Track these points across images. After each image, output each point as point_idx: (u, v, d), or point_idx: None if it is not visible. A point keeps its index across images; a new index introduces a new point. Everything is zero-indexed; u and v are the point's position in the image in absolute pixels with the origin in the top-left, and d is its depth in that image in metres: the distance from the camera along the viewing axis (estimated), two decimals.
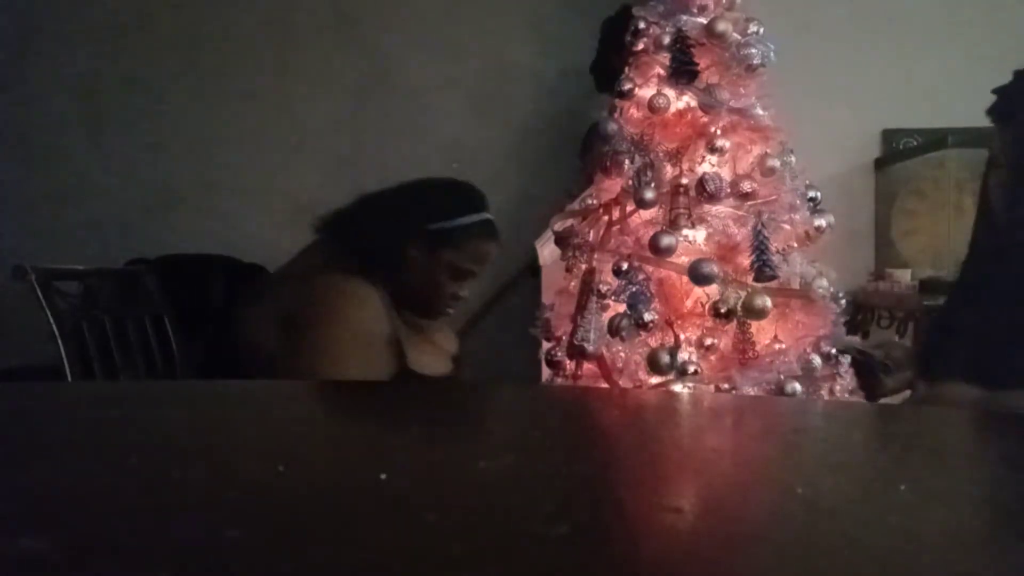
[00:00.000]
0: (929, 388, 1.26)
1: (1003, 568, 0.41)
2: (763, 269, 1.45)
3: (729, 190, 1.49)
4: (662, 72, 1.60)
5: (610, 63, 1.73)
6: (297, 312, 1.41)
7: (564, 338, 1.61)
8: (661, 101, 1.56)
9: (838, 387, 1.50)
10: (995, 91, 1.32)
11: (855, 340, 1.49)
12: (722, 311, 1.44)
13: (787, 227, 1.52)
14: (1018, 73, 1.30)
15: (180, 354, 1.89)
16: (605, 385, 1.51)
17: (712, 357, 1.47)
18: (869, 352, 1.36)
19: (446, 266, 1.51)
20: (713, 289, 1.47)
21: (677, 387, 1.45)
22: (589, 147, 2.14)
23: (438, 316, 1.58)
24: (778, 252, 1.48)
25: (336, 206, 1.58)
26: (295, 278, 1.48)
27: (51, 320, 1.60)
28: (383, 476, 0.52)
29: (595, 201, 1.66)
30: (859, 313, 2.59)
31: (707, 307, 1.47)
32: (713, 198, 1.48)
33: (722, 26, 1.56)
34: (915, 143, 2.73)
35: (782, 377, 1.44)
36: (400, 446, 0.65)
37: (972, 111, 2.30)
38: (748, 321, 1.46)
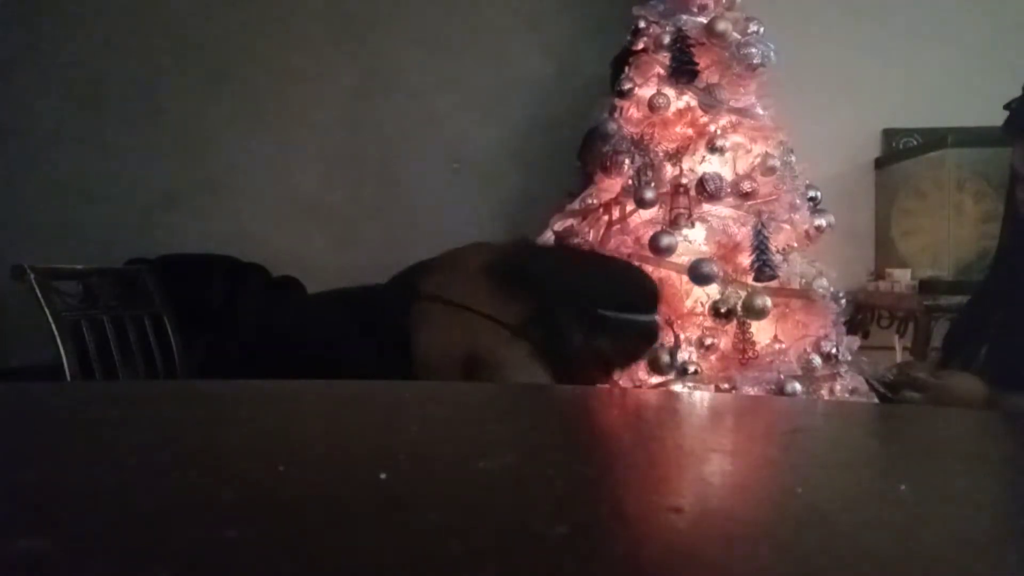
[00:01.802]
0: (942, 379, 1.26)
1: (1004, 568, 0.41)
2: (763, 269, 1.45)
3: (729, 190, 1.49)
4: (662, 72, 1.60)
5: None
6: (479, 362, 1.44)
7: None
8: (661, 101, 1.56)
9: (838, 387, 1.50)
10: (1007, 107, 1.32)
11: (867, 368, 1.48)
12: (722, 311, 1.44)
13: (787, 227, 1.52)
14: None
15: (180, 354, 1.89)
16: (605, 385, 1.51)
17: (712, 357, 1.47)
18: (879, 389, 1.35)
19: (595, 353, 1.47)
20: (713, 289, 1.47)
21: (677, 387, 1.45)
22: (589, 147, 2.15)
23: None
24: (778, 252, 1.48)
25: (511, 243, 1.56)
26: (482, 327, 1.47)
27: (50, 320, 1.60)
28: (383, 476, 0.52)
29: (595, 201, 1.66)
30: (859, 313, 2.59)
31: (707, 307, 1.47)
32: (713, 198, 1.48)
33: (722, 26, 1.56)
34: (915, 143, 2.73)
35: (782, 377, 1.44)
36: (400, 446, 0.65)
37: (972, 111, 2.31)
38: (748, 321, 1.46)
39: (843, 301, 1.54)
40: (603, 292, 1.49)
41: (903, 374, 1.31)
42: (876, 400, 1.43)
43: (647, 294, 1.54)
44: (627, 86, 1.63)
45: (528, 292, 1.49)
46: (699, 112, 1.54)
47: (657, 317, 1.51)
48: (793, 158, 1.57)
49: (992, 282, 1.41)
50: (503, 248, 1.56)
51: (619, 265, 1.55)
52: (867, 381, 1.43)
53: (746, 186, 1.47)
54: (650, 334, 1.51)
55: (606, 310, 1.47)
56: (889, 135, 2.80)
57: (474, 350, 1.44)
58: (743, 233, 1.49)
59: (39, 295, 1.60)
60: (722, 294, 1.45)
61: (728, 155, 1.54)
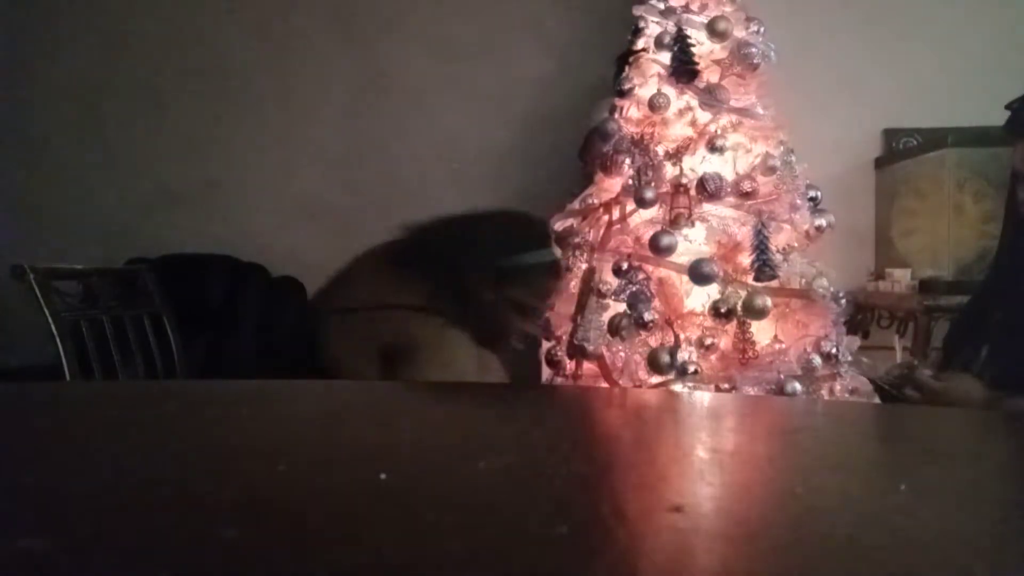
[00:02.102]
0: (942, 381, 1.27)
1: (1003, 567, 0.41)
2: (763, 269, 1.45)
3: (729, 190, 1.49)
4: (662, 71, 1.59)
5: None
6: (398, 350, 1.44)
7: (564, 338, 1.61)
8: (661, 100, 1.56)
9: (838, 387, 1.50)
10: (1009, 107, 1.32)
11: (870, 369, 1.48)
12: (722, 311, 1.44)
13: (787, 227, 1.51)
14: None
15: (180, 354, 1.89)
16: (605, 385, 1.51)
17: (712, 357, 1.47)
18: (884, 387, 1.35)
19: (510, 302, 1.51)
20: (713, 289, 1.47)
21: (677, 387, 1.45)
22: (589, 147, 2.14)
23: (503, 350, 1.58)
24: (778, 252, 1.48)
25: (410, 226, 1.59)
26: (388, 317, 1.49)
27: (50, 320, 1.60)
28: (383, 476, 0.52)
29: (595, 200, 1.66)
30: (859, 313, 2.59)
31: (707, 307, 1.47)
32: (713, 197, 1.48)
33: (722, 25, 1.56)
34: (915, 143, 2.73)
35: (782, 377, 1.44)
36: (400, 446, 0.65)
37: (972, 111, 2.31)
38: (748, 321, 1.46)
39: (843, 301, 1.54)
40: (496, 244, 1.51)
41: (905, 372, 1.31)
42: (877, 399, 1.43)
43: (537, 232, 1.57)
44: (627, 86, 1.63)
45: (427, 269, 1.51)
46: (699, 112, 1.54)
47: (556, 251, 1.55)
48: (793, 158, 1.57)
49: (992, 282, 1.41)
50: (393, 239, 1.57)
51: (504, 215, 1.59)
52: (870, 379, 1.43)
53: (746, 186, 1.47)
54: (553, 268, 1.54)
55: (504, 259, 1.49)
56: (889, 135, 2.80)
57: (393, 342, 1.44)
58: (743, 233, 1.48)
59: (39, 295, 1.60)
60: (722, 294, 1.45)
61: (728, 155, 1.54)
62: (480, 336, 1.52)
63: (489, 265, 1.51)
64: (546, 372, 1.73)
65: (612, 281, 1.54)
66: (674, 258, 1.48)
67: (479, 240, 1.54)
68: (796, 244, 1.54)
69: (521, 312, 1.53)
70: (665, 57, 1.59)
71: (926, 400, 1.26)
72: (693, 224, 1.51)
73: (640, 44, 1.65)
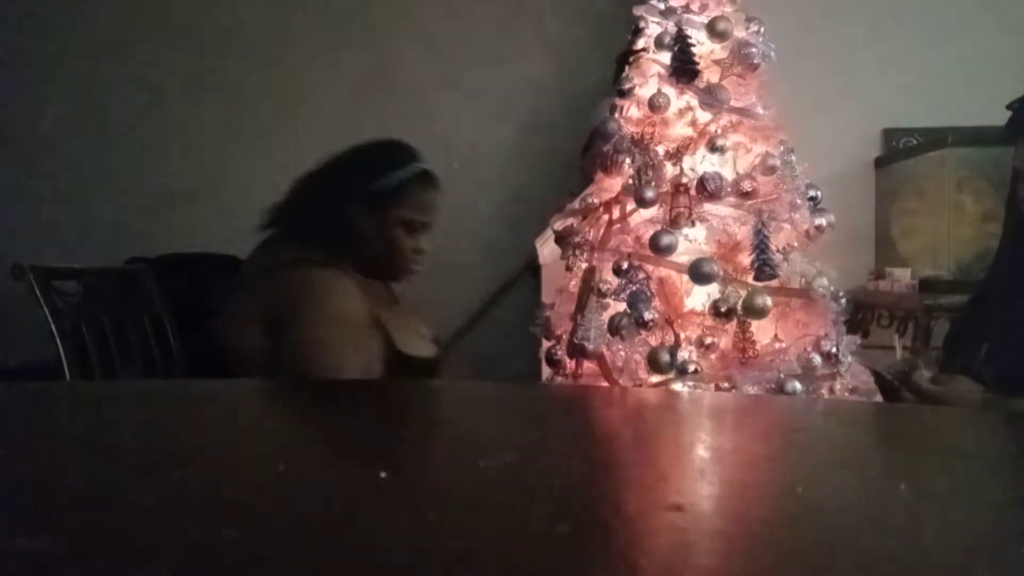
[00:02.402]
0: (939, 383, 1.26)
1: (1004, 568, 0.41)
2: (763, 268, 1.45)
3: (730, 189, 1.49)
4: (662, 71, 1.59)
5: None
6: (281, 311, 1.41)
7: (564, 337, 1.61)
8: (661, 100, 1.56)
9: (838, 386, 1.50)
10: (1010, 107, 1.32)
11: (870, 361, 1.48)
12: (722, 310, 1.44)
13: (787, 226, 1.51)
14: None
15: (179, 354, 1.89)
16: (605, 384, 1.51)
17: (712, 356, 1.47)
18: (887, 376, 1.35)
19: (398, 222, 1.50)
20: (713, 288, 1.47)
21: (677, 386, 1.45)
22: (590, 146, 2.15)
23: (405, 276, 1.57)
24: (778, 251, 1.48)
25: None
26: (270, 276, 1.47)
27: (50, 319, 1.60)
28: (383, 476, 0.52)
29: (595, 200, 1.65)
30: (859, 312, 2.59)
31: (707, 306, 1.47)
32: (713, 197, 1.48)
33: (722, 25, 1.56)
34: (915, 143, 2.73)
35: (782, 376, 1.43)
36: (400, 446, 0.65)
37: (972, 111, 2.31)
38: (748, 320, 1.46)
39: (843, 301, 1.53)
40: (364, 173, 1.50)
41: (906, 370, 1.30)
42: (878, 395, 1.43)
43: (399, 149, 1.56)
44: (627, 86, 1.62)
45: (302, 221, 1.50)
46: (699, 112, 1.54)
47: (421, 164, 1.54)
48: (793, 158, 1.56)
49: (993, 282, 1.41)
50: (272, 204, 1.57)
51: (361, 147, 1.58)
52: (873, 372, 1.43)
53: (746, 186, 1.47)
54: (424, 177, 1.53)
55: (375, 185, 1.49)
56: (889, 135, 2.80)
57: (275, 308, 1.42)
58: (743, 233, 1.48)
59: (39, 295, 1.60)
60: (722, 294, 1.45)
61: (728, 155, 1.54)
62: (369, 268, 1.52)
63: (364, 195, 1.49)
64: (546, 371, 1.73)
65: (612, 281, 1.54)
66: (674, 258, 1.48)
67: (347, 177, 1.52)
68: (796, 244, 1.53)
69: (410, 229, 1.52)
70: (665, 57, 1.59)
71: (924, 403, 1.26)
72: (693, 224, 1.51)
73: (640, 44, 1.65)
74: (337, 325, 1.40)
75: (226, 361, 1.47)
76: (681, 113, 1.58)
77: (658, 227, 1.50)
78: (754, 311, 1.43)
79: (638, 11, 1.65)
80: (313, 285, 1.42)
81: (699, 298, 1.51)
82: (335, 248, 1.47)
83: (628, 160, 1.57)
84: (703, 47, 1.57)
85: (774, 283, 1.48)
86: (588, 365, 1.57)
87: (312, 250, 1.46)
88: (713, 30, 1.56)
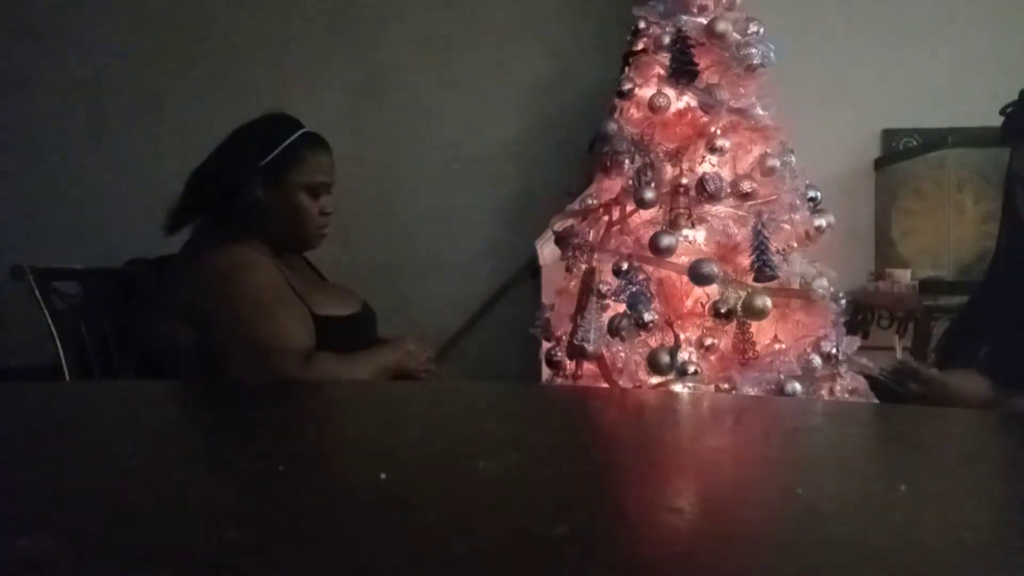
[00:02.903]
0: (944, 374, 1.26)
1: (1004, 568, 0.41)
2: (763, 269, 1.44)
3: (729, 190, 1.49)
4: (662, 72, 1.59)
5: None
6: (198, 297, 1.43)
7: (564, 338, 1.61)
8: (661, 101, 1.56)
9: (838, 387, 1.50)
10: (1003, 112, 1.32)
11: (866, 362, 1.48)
12: (722, 311, 1.44)
13: (787, 227, 1.51)
14: None
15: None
16: (605, 385, 1.51)
17: (712, 357, 1.47)
18: (883, 378, 1.35)
19: (298, 188, 1.51)
20: (713, 289, 1.47)
21: (677, 387, 1.45)
22: (591, 147, 2.14)
23: (316, 241, 1.58)
24: (778, 252, 1.48)
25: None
26: (183, 267, 1.49)
27: (49, 320, 1.60)
28: (383, 476, 0.52)
29: (595, 201, 1.65)
30: (859, 313, 2.59)
31: (707, 307, 1.47)
32: (713, 198, 1.48)
33: (722, 26, 1.56)
34: (915, 143, 2.72)
35: (782, 377, 1.43)
36: (400, 446, 0.65)
37: (972, 111, 2.31)
38: (748, 321, 1.46)
39: (843, 301, 1.53)
40: (253, 149, 1.54)
41: (906, 369, 1.30)
42: (875, 397, 1.43)
43: (280, 119, 1.59)
44: (627, 86, 1.62)
45: (207, 214, 1.54)
46: (699, 112, 1.54)
47: (306, 129, 1.58)
48: (793, 158, 1.56)
49: (991, 283, 1.41)
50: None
51: (241, 128, 1.62)
52: (868, 376, 1.43)
53: (746, 186, 1.47)
54: (313, 139, 1.57)
55: (268, 156, 1.51)
56: (889, 135, 2.80)
57: (193, 293, 1.44)
58: (743, 233, 1.48)
59: (38, 295, 1.60)
60: (722, 294, 1.45)
61: (728, 155, 1.54)
62: (280, 242, 1.52)
63: (255, 168, 1.51)
64: (546, 372, 1.73)
65: (612, 282, 1.54)
66: (674, 259, 1.48)
67: (237, 157, 1.55)
68: (796, 244, 1.53)
69: (313, 192, 1.53)
70: (665, 58, 1.59)
71: (927, 392, 1.26)
72: (693, 225, 1.51)
73: (640, 45, 1.65)
74: (262, 292, 1.41)
75: (157, 359, 1.49)
76: (681, 114, 1.58)
77: (658, 228, 1.50)
78: (754, 312, 1.43)
79: (638, 12, 1.65)
80: (224, 265, 1.44)
81: (699, 299, 1.51)
82: (244, 229, 1.49)
83: (628, 161, 1.57)
84: (703, 48, 1.58)
85: (774, 284, 1.48)
86: (588, 366, 1.57)
87: (222, 233, 1.48)
88: (712, 31, 1.56)
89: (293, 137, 1.54)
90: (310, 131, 1.59)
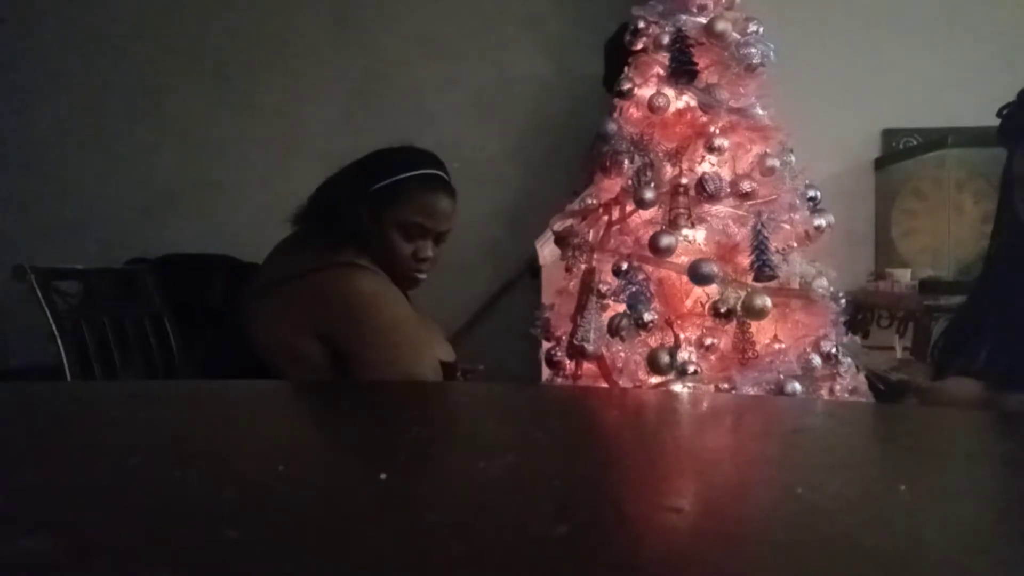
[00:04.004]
0: (941, 384, 1.26)
1: (1004, 568, 0.41)
2: (763, 269, 1.44)
3: (729, 190, 1.48)
4: (662, 72, 1.59)
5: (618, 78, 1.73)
6: (333, 320, 1.38)
7: (564, 338, 1.60)
8: (661, 101, 1.56)
9: (838, 387, 1.50)
10: (999, 113, 1.32)
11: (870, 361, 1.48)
12: (722, 311, 1.44)
13: (787, 227, 1.51)
14: (1021, 93, 1.31)
15: (180, 354, 1.89)
16: (605, 385, 1.51)
17: (712, 357, 1.47)
18: (887, 378, 1.35)
19: (392, 223, 1.46)
20: (713, 289, 1.47)
21: (677, 387, 1.45)
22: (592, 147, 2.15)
23: (408, 284, 1.52)
24: (778, 252, 1.48)
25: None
26: (303, 280, 1.42)
27: (50, 320, 1.60)
28: (383, 476, 0.52)
29: (595, 201, 1.65)
30: (859, 313, 2.59)
31: (707, 307, 1.47)
32: (713, 198, 1.48)
33: (722, 26, 1.56)
34: (915, 143, 2.73)
35: (782, 377, 1.43)
36: (400, 446, 0.65)
37: (972, 111, 2.31)
38: (748, 321, 1.46)
39: (843, 301, 1.53)
40: (371, 174, 1.49)
41: (902, 376, 1.30)
42: (874, 396, 1.43)
43: (411, 153, 1.54)
44: (627, 86, 1.62)
45: (336, 225, 1.47)
46: (699, 112, 1.54)
47: (432, 169, 1.53)
48: (793, 158, 1.56)
49: (988, 284, 1.40)
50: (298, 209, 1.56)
51: (381, 150, 1.56)
52: (867, 376, 1.43)
53: (746, 186, 1.47)
54: (430, 179, 1.51)
55: (377, 185, 1.47)
56: (889, 135, 2.80)
57: (323, 307, 1.40)
58: (743, 233, 1.48)
59: (39, 295, 1.60)
60: (722, 294, 1.45)
61: (727, 155, 1.54)
62: (396, 277, 1.49)
63: (363, 194, 1.47)
64: (546, 372, 1.73)
65: (612, 281, 1.54)
66: (674, 258, 1.48)
67: (357, 177, 1.51)
68: (795, 244, 1.53)
69: (408, 233, 1.47)
70: (665, 57, 1.59)
71: (926, 402, 1.26)
72: (692, 225, 1.51)
73: (640, 45, 1.65)
74: (402, 331, 1.39)
75: (263, 366, 1.43)
76: (681, 113, 1.58)
77: (658, 228, 1.50)
78: (754, 312, 1.43)
79: (637, 11, 1.65)
80: (364, 293, 1.40)
81: (699, 299, 1.51)
82: (350, 251, 1.44)
83: (628, 161, 1.57)
84: (702, 47, 1.57)
85: (773, 284, 1.48)
86: (588, 366, 1.57)
87: (336, 253, 1.43)
88: (712, 31, 1.56)
89: (407, 175, 1.49)
90: (434, 172, 1.53)
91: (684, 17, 1.59)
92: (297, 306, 1.40)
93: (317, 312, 1.39)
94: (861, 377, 1.49)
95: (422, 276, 1.53)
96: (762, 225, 1.46)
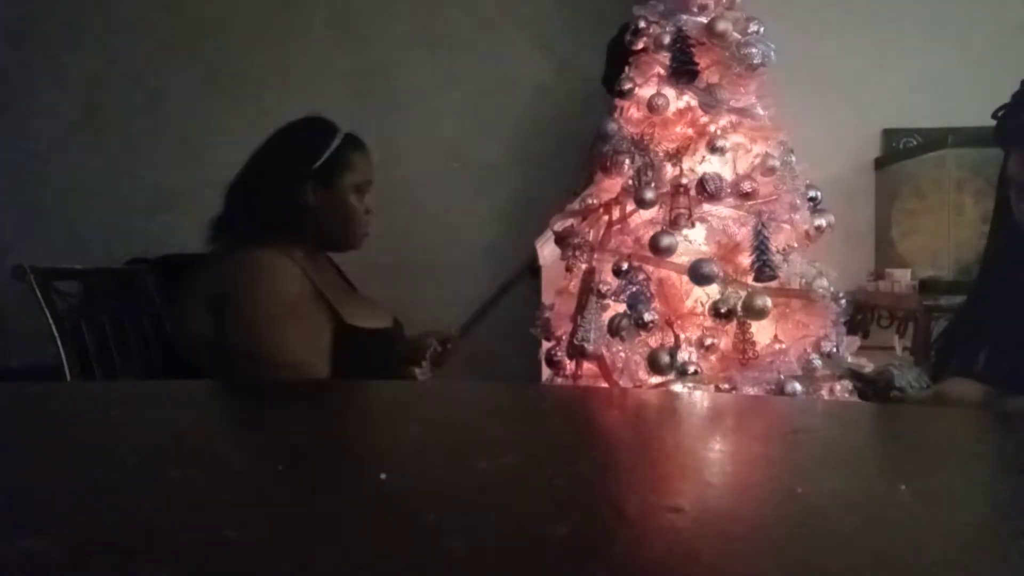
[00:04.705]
0: (940, 384, 1.26)
1: (1003, 567, 0.41)
2: (763, 269, 1.44)
3: (729, 190, 1.48)
4: (662, 72, 1.59)
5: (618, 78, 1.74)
6: (222, 294, 1.44)
7: (564, 338, 1.61)
8: (661, 101, 1.56)
9: (838, 387, 1.50)
10: (995, 115, 1.32)
11: (853, 361, 1.48)
12: (722, 311, 1.44)
13: (787, 227, 1.51)
14: (1017, 94, 1.31)
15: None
16: (605, 385, 1.51)
17: (712, 357, 1.47)
18: (872, 378, 1.35)
19: (349, 189, 1.54)
20: (713, 289, 1.47)
21: (677, 387, 1.45)
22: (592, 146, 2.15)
23: (361, 240, 1.60)
24: (778, 252, 1.48)
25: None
26: (215, 264, 1.50)
27: (50, 320, 1.60)
28: (383, 476, 0.52)
29: (595, 201, 1.65)
30: (859, 313, 2.59)
31: (707, 307, 1.47)
32: (713, 198, 1.48)
33: (722, 25, 1.56)
34: (915, 143, 2.72)
35: (782, 377, 1.43)
36: (400, 446, 0.65)
37: (972, 111, 2.30)
38: (748, 321, 1.46)
39: (843, 301, 1.53)
40: (302, 153, 1.55)
41: (887, 376, 1.28)
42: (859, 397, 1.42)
43: (323, 122, 1.61)
44: (627, 86, 1.62)
45: (243, 208, 1.54)
46: (699, 112, 1.54)
47: (345, 130, 1.60)
48: (793, 158, 1.56)
49: (987, 285, 1.40)
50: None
51: (286, 131, 1.64)
52: (851, 374, 1.43)
53: (746, 186, 1.47)
54: (354, 140, 1.59)
55: (319, 160, 1.53)
56: (889, 135, 2.80)
57: (216, 291, 1.45)
58: (743, 233, 1.48)
59: (39, 295, 1.60)
60: (722, 294, 1.45)
61: (728, 155, 1.54)
62: (326, 242, 1.55)
63: (307, 173, 1.52)
64: (546, 372, 1.73)
65: (612, 281, 1.54)
66: (674, 258, 1.48)
67: (289, 161, 1.56)
68: (796, 244, 1.53)
69: (360, 192, 1.55)
70: (665, 57, 1.59)
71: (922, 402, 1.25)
72: (693, 225, 1.51)
73: (640, 44, 1.65)
74: (275, 304, 1.42)
75: (181, 350, 1.51)
76: (681, 113, 1.58)
77: (658, 228, 1.50)
78: (754, 312, 1.43)
79: (638, 11, 1.65)
80: (250, 266, 1.45)
81: (699, 299, 1.51)
82: (287, 233, 1.50)
83: (628, 161, 1.57)
84: (702, 47, 1.57)
85: (774, 284, 1.48)
86: (588, 366, 1.57)
87: (263, 234, 1.49)
88: (712, 30, 1.56)
89: (338, 140, 1.57)
90: (351, 133, 1.62)
91: (685, 17, 1.59)
92: (201, 289, 1.47)
93: (211, 290, 1.45)
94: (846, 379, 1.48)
95: (370, 229, 1.61)
96: (763, 225, 1.46)
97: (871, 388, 1.29)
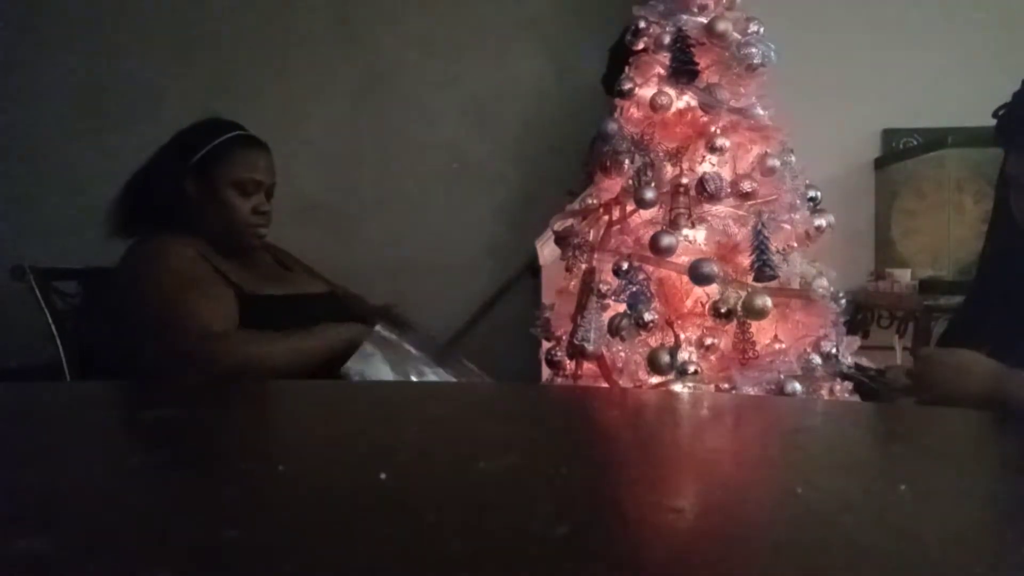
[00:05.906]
0: (939, 350, 1.26)
1: (1003, 568, 0.41)
2: (763, 269, 1.44)
3: (729, 190, 1.48)
4: (662, 72, 1.59)
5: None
6: (127, 279, 1.48)
7: (564, 338, 1.60)
8: (664, 99, 1.56)
9: (838, 387, 1.50)
10: (995, 114, 1.32)
11: (853, 361, 1.48)
12: (722, 311, 1.44)
13: (787, 227, 1.51)
14: (1017, 93, 1.31)
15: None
16: (605, 385, 1.51)
17: (712, 357, 1.47)
18: (872, 377, 1.35)
19: (226, 184, 1.54)
20: (713, 289, 1.47)
21: (677, 387, 1.45)
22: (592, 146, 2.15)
23: (252, 240, 1.59)
24: (778, 252, 1.48)
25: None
26: (118, 265, 1.53)
27: (50, 320, 1.60)
28: (383, 476, 0.52)
29: (595, 201, 1.65)
30: (859, 313, 2.59)
31: (707, 307, 1.47)
32: (713, 198, 1.48)
33: (722, 25, 1.56)
34: (915, 143, 2.72)
35: (782, 377, 1.43)
36: (400, 446, 0.65)
37: (972, 111, 2.30)
38: (748, 321, 1.46)
39: (843, 301, 1.53)
40: (185, 148, 1.60)
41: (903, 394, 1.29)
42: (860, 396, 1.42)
43: (215, 121, 1.65)
44: (627, 86, 1.62)
45: (146, 218, 1.58)
46: (699, 112, 1.54)
47: (241, 131, 1.61)
48: (793, 158, 1.56)
49: (986, 285, 1.40)
50: None
51: (183, 129, 1.69)
52: (851, 372, 1.43)
53: (746, 186, 1.47)
54: (244, 139, 1.61)
55: (197, 154, 1.56)
56: (889, 135, 2.80)
57: (126, 270, 1.51)
58: (743, 233, 1.48)
59: (39, 295, 1.60)
60: (722, 294, 1.45)
61: (728, 155, 1.54)
62: (218, 241, 1.55)
63: (186, 167, 1.56)
64: (546, 372, 1.73)
65: (612, 281, 1.54)
66: (674, 258, 1.48)
67: (169, 157, 1.61)
68: (796, 244, 1.53)
69: (243, 190, 1.55)
70: (665, 57, 1.59)
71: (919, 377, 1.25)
72: (693, 225, 1.50)
73: (640, 45, 1.64)
74: (175, 278, 1.44)
75: (95, 354, 1.54)
76: (681, 113, 1.58)
77: (658, 228, 1.49)
78: (754, 312, 1.43)
79: (638, 11, 1.65)
80: (146, 250, 1.49)
81: (699, 299, 1.51)
82: (178, 226, 1.52)
83: (628, 161, 1.57)
84: (703, 47, 1.57)
85: (774, 284, 1.48)
86: (588, 366, 1.57)
87: (154, 232, 1.52)
88: (712, 30, 1.56)
89: (224, 137, 1.58)
90: (246, 133, 1.62)
91: (685, 17, 1.59)
92: (109, 287, 1.51)
93: (111, 294, 1.49)
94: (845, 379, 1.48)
95: (264, 231, 1.61)
96: (762, 225, 1.46)
97: (880, 382, 1.29)
